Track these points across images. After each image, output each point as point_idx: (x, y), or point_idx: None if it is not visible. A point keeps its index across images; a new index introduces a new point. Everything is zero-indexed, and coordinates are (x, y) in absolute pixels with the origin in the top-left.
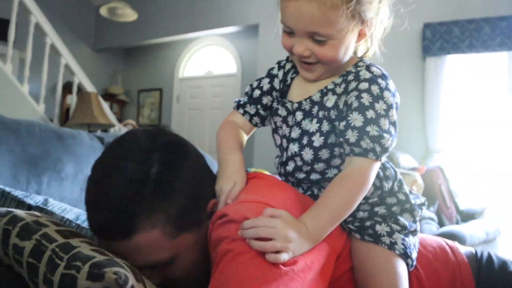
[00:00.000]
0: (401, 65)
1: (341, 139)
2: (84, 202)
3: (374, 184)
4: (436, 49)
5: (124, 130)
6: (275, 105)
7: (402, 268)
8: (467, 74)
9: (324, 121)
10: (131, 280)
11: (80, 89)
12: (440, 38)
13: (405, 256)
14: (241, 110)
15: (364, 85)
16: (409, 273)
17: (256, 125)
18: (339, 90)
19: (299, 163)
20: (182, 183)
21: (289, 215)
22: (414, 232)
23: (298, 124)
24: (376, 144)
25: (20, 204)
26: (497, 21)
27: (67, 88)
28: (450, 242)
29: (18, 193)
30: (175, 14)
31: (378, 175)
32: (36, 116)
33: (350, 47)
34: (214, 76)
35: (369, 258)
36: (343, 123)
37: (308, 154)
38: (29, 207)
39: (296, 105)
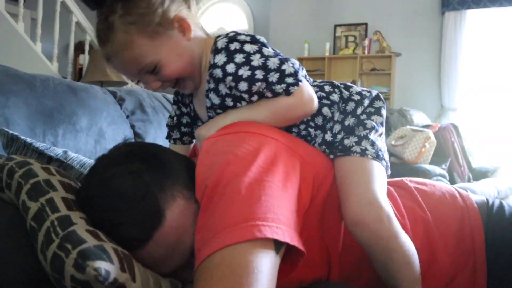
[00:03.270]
0: (417, 20)
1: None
2: (93, 223)
3: (321, 111)
4: (456, 3)
5: (136, 87)
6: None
7: (378, 168)
8: (489, 30)
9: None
10: (114, 273)
11: (93, 47)
12: None
13: (378, 158)
14: (172, 141)
15: (226, 69)
16: (416, 215)
17: (190, 142)
18: (212, 85)
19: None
20: (166, 156)
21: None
22: (381, 135)
23: None
24: (288, 79)
25: (41, 156)
26: None
27: (80, 48)
28: (460, 189)
29: (39, 145)
30: None
31: (320, 100)
32: (50, 75)
33: (182, 49)
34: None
35: (345, 167)
36: (252, 97)
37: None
38: (50, 159)
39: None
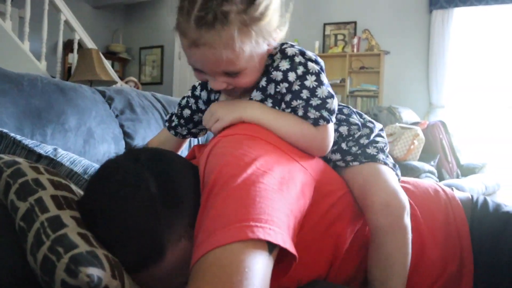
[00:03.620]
0: (405, 19)
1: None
2: (99, 240)
3: (338, 129)
4: (443, 1)
5: (126, 86)
6: None
7: (395, 177)
8: (476, 28)
9: None
10: (105, 280)
11: (81, 46)
12: None
13: (395, 168)
14: (172, 132)
15: (288, 76)
16: None
17: (189, 137)
18: (262, 84)
19: None
20: (183, 185)
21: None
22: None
23: None
24: (324, 112)
25: (31, 153)
26: None
27: (68, 46)
28: (443, 185)
29: (28, 142)
30: None
31: (341, 122)
32: (38, 74)
33: (263, 61)
34: None
35: (371, 170)
36: (286, 109)
37: None
38: (39, 157)
39: None
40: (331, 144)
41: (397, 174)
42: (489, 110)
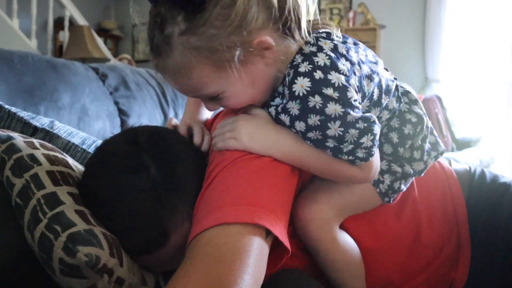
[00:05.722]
0: None
1: None
2: (105, 226)
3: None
4: None
5: (119, 63)
6: None
7: (373, 200)
8: (473, 2)
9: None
10: (103, 259)
11: (72, 23)
12: None
13: (383, 195)
14: None
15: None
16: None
17: None
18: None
19: None
20: (183, 167)
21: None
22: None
23: None
24: (360, 152)
25: (26, 125)
26: None
27: (59, 24)
28: (440, 160)
29: (24, 114)
30: None
31: (391, 141)
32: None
33: (255, 77)
34: None
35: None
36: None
37: None
38: (35, 129)
39: None
40: (378, 168)
41: (386, 201)
42: (485, 85)
